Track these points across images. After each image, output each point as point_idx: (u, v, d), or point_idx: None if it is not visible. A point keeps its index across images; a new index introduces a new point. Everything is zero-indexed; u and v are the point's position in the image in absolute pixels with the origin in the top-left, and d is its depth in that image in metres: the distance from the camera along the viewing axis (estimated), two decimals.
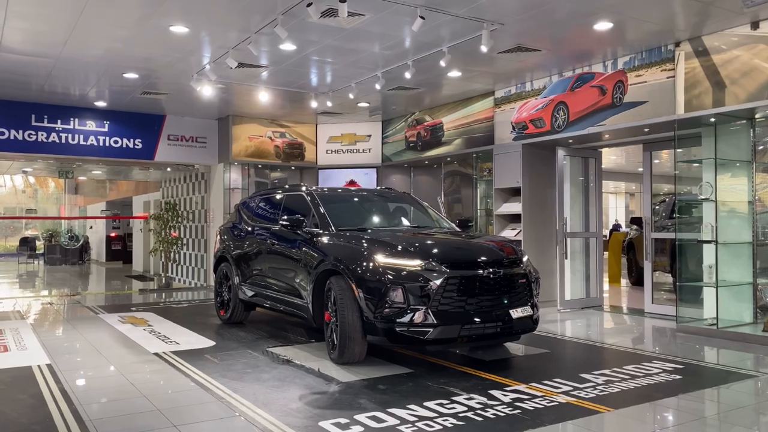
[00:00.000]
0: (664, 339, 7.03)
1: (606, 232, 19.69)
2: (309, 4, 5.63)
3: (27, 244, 24.01)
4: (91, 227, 24.05)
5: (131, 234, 20.34)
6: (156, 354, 6.01)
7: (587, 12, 6.35)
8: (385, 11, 6.18)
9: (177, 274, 14.11)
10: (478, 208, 11.21)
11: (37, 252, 23.49)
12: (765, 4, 5.86)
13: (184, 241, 13.56)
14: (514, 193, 9.66)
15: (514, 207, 9.54)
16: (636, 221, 13.42)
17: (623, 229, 21.08)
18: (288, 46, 7.32)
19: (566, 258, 9.07)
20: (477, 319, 5.12)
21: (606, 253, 12.92)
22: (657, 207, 10.83)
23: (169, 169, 13.86)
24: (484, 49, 6.72)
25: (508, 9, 6.24)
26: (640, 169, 9.25)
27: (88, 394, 4.71)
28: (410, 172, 12.67)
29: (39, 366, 5.48)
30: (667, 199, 11.09)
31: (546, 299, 8.80)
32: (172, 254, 12.94)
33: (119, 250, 21.79)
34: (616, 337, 7.43)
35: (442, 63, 7.42)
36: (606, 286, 12.40)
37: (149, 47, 7.43)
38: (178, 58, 7.92)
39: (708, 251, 7.28)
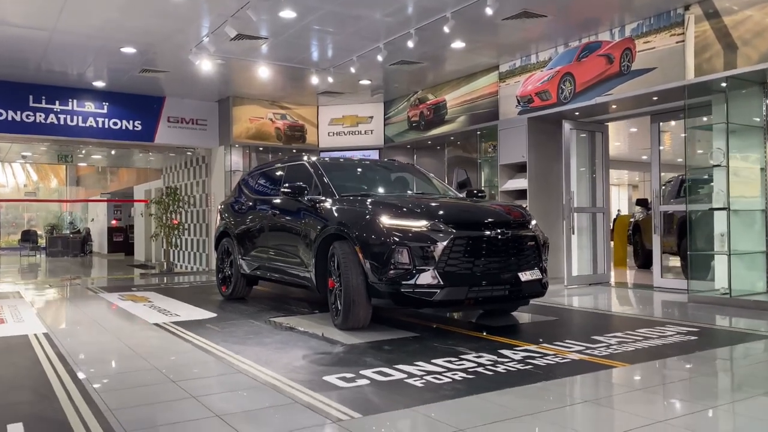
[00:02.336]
0: (675, 308, 6.86)
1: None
2: None
3: (29, 237, 23.93)
4: (92, 219, 23.96)
5: (132, 226, 20.24)
6: (156, 324, 5.87)
7: None
8: None
9: (179, 260, 13.98)
10: (483, 187, 11.03)
11: (38, 245, 23.42)
12: None
13: (186, 227, 13.42)
14: (519, 169, 9.49)
15: (519, 183, 9.38)
16: (642, 203, 13.22)
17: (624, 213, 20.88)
18: (288, 14, 7.16)
19: (573, 233, 8.90)
20: (485, 282, 4.97)
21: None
22: (664, 187, 10.65)
23: (171, 154, 13.74)
24: (489, 11, 6.56)
25: None
26: (644, 157, 9.07)
27: (85, 356, 4.56)
28: (413, 153, 12.51)
29: (35, 335, 5.34)
30: (673, 180, 10.91)
31: (553, 276, 8.62)
32: (173, 239, 12.80)
33: (121, 241, 21.68)
34: (627, 307, 7.27)
35: (446, 29, 7.25)
36: (612, 270, 12.24)
37: (147, 16, 7.27)
38: (176, 29, 7.77)
39: (720, 219, 7.11)
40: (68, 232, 22.34)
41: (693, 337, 4.97)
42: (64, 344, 4.91)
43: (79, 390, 3.56)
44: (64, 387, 3.64)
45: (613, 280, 9.54)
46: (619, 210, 27.73)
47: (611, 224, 13.73)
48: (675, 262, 10.39)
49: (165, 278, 11.21)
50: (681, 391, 3.61)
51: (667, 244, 9.81)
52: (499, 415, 3.04)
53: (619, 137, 16.46)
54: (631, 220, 13.45)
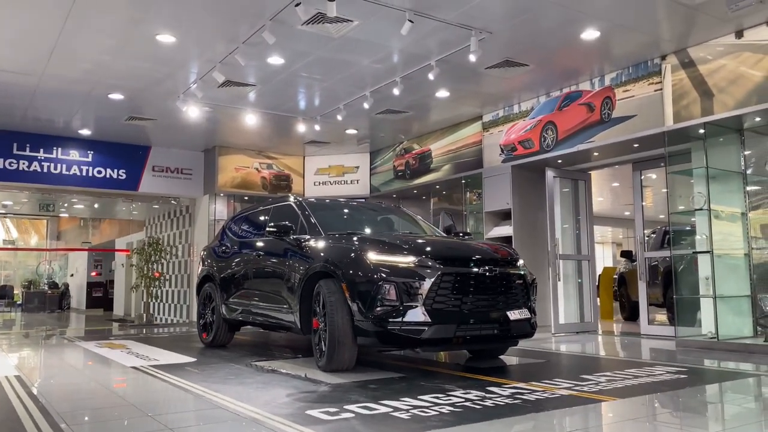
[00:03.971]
0: (664, 352, 6.78)
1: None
2: (297, 4, 5.61)
3: (4, 293, 23.42)
4: (72, 275, 23.55)
5: (113, 281, 19.90)
6: (133, 367, 5.67)
7: (574, 19, 6.40)
8: (373, 17, 6.18)
9: (159, 312, 13.68)
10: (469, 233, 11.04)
11: (14, 301, 22.91)
12: (750, 7, 5.93)
13: (167, 277, 13.21)
14: (504, 216, 9.54)
15: (504, 230, 9.41)
16: (626, 254, 13.29)
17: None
18: (276, 60, 7.29)
19: (559, 280, 8.87)
20: (473, 320, 4.86)
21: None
22: (647, 238, 10.73)
23: (155, 206, 13.66)
24: (472, 58, 6.72)
25: (496, 15, 6.27)
26: (627, 213, 9.17)
27: (58, 395, 4.37)
28: (399, 203, 12.52)
29: (7, 377, 5.12)
30: (656, 232, 11.01)
31: (540, 323, 8.45)
32: (153, 290, 12.57)
33: (100, 297, 21.27)
34: (615, 351, 7.17)
35: (431, 76, 7.40)
36: (599, 320, 12.16)
37: (136, 60, 7.35)
38: (164, 75, 7.86)
39: (704, 263, 7.14)
40: (46, 287, 21.88)
41: (683, 376, 4.89)
42: (37, 385, 4.72)
43: (49, 423, 3.39)
44: (34, 421, 3.46)
45: (600, 329, 9.45)
46: (605, 266, 27.84)
47: (597, 276, 13.74)
48: (661, 314, 10.36)
49: (144, 329, 10.93)
50: (673, 421, 3.52)
51: (653, 295, 9.79)
52: None
53: (602, 192, 16.70)
54: (615, 276, 13.48)
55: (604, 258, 30.63)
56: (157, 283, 12.57)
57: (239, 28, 6.47)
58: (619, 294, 13.09)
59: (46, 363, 6.26)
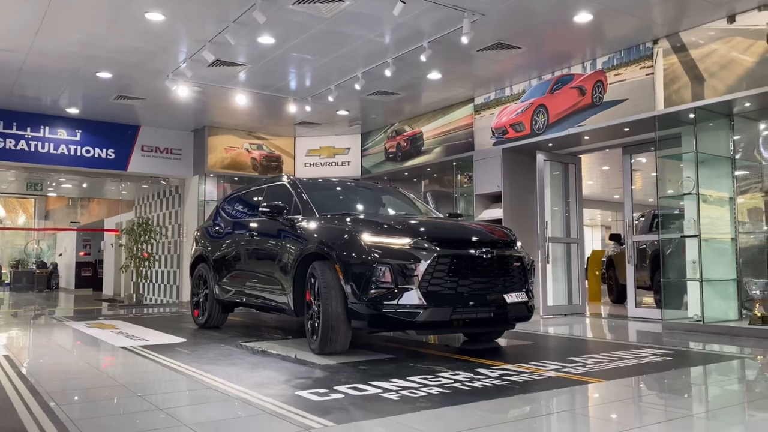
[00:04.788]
0: (650, 334, 6.87)
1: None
2: None
3: None
4: (60, 254, 23.42)
5: (102, 261, 19.81)
6: (123, 347, 5.67)
7: (566, 1, 6.37)
8: None
9: (149, 293, 13.67)
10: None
11: (2, 281, 22.79)
12: None
13: (157, 258, 13.17)
14: (494, 199, 9.56)
15: (495, 213, 9.44)
16: (615, 238, 13.38)
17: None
18: (266, 39, 7.22)
19: (548, 263, 8.94)
20: (470, 303, 4.82)
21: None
22: (636, 223, 10.81)
23: (144, 186, 13.57)
24: (465, 40, 6.69)
25: None
26: (617, 197, 9.20)
27: (47, 374, 4.37)
28: (390, 184, 12.50)
29: None
30: (645, 216, 11.08)
31: None
32: (143, 270, 12.54)
33: (89, 276, 21.19)
34: (602, 333, 7.26)
35: (423, 58, 7.36)
36: (587, 303, 12.29)
37: (124, 38, 7.25)
38: (154, 53, 7.76)
39: (691, 246, 7.21)
40: (34, 266, 21.76)
41: (668, 358, 4.96)
42: (26, 364, 4.71)
43: (40, 404, 3.40)
44: (24, 401, 3.47)
45: (588, 311, 9.55)
46: (593, 250, 28.02)
47: (585, 259, 13.85)
48: (648, 297, 10.47)
49: (134, 309, 10.92)
50: (657, 402, 3.58)
51: (641, 278, 9.89)
52: (476, 423, 2.96)
53: (592, 175, 16.76)
54: (604, 259, 13.60)
55: (593, 241, 30.83)
56: (146, 263, 12.54)
57: (229, 6, 6.39)
58: (608, 277, 13.22)
59: (35, 343, 6.25)
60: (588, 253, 13.75)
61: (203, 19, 6.71)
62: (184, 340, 6.23)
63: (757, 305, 6.56)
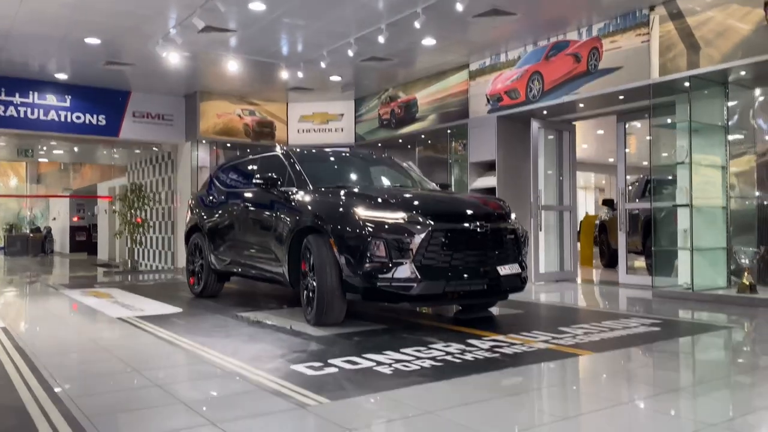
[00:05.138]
0: (640, 302, 6.98)
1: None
2: None
3: None
4: (54, 218, 23.39)
5: (96, 225, 19.80)
6: (119, 318, 5.73)
7: None
8: None
9: (143, 259, 13.71)
10: (453, 185, 11.07)
11: None
12: None
13: (151, 224, 13.18)
14: (488, 167, 9.56)
15: (488, 181, 9.45)
16: (608, 203, 13.45)
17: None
18: (257, 5, 7.09)
19: (540, 230, 9.00)
20: (463, 275, 4.87)
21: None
22: (630, 188, 10.85)
23: (137, 151, 13.49)
24: (459, 7, 6.59)
25: None
26: (611, 160, 9.19)
27: (45, 348, 4.42)
28: (384, 152, 12.47)
29: None
30: (638, 181, 11.12)
31: None
32: (137, 237, 12.55)
33: (83, 241, 21.22)
34: (593, 301, 7.37)
35: (417, 24, 7.26)
36: (579, 268, 12.42)
37: (112, 2, 7.09)
38: (142, 19, 7.62)
39: (683, 216, 7.27)
40: (28, 231, 21.75)
41: (656, 328, 5.05)
42: (24, 338, 4.75)
43: (38, 379, 3.45)
44: (23, 377, 3.52)
45: (579, 278, 9.67)
46: (587, 212, 28.16)
47: (578, 224, 13.97)
48: (640, 261, 10.58)
49: (129, 276, 10.99)
50: (644, 377, 3.67)
51: (633, 243, 9.97)
52: (466, 399, 3.04)
53: (587, 139, 16.73)
54: (597, 221, 13.69)
55: (587, 203, 30.93)
56: (141, 230, 12.55)
57: None
58: (600, 241, 13.33)
59: (32, 314, 6.30)
60: (581, 217, 13.87)
61: None
62: (180, 310, 6.29)
63: (746, 273, 6.65)
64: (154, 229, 13.21)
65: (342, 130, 12.23)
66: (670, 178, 8.05)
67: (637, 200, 9.82)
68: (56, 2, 7.09)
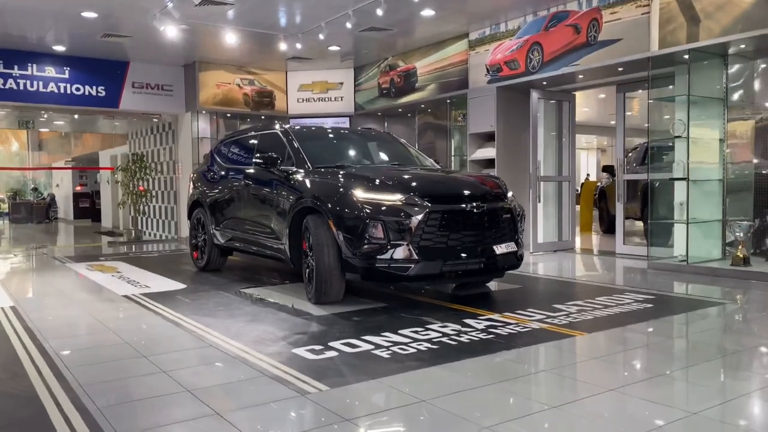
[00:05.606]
0: (635, 275, 7.11)
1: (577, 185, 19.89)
2: None
3: None
4: (57, 185, 23.48)
5: (99, 191, 19.91)
6: (125, 296, 5.88)
7: None
8: None
9: (147, 228, 13.86)
10: (452, 156, 11.12)
11: (1, 211, 22.96)
12: None
13: (153, 194, 13.27)
14: (488, 138, 9.58)
15: (488, 152, 9.48)
16: (608, 169, 13.48)
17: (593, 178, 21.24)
18: None
19: (539, 201, 9.08)
20: (460, 255, 4.99)
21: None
22: (630, 155, 10.87)
23: (135, 120, 13.48)
24: None
25: None
26: (612, 122, 9.18)
27: (53, 330, 4.57)
28: (384, 121, 12.49)
29: (2, 308, 5.32)
30: (639, 147, 11.12)
31: None
32: (140, 207, 12.67)
33: (87, 207, 21.35)
34: (588, 274, 7.50)
35: None
36: (579, 234, 12.55)
37: None
38: None
39: (680, 189, 7.34)
40: (32, 198, 21.87)
41: (649, 305, 5.18)
42: (33, 318, 4.90)
43: (49, 365, 3.60)
44: (34, 363, 3.67)
45: (577, 247, 9.78)
46: (588, 174, 28.16)
47: (577, 190, 14.03)
48: (639, 227, 10.68)
49: (133, 246, 11.13)
50: (632, 360, 3.80)
51: (631, 209, 10.05)
52: (459, 385, 3.17)
53: (588, 103, 16.63)
54: (598, 185, 13.75)
55: (588, 164, 30.93)
56: (143, 199, 12.65)
57: None
58: (599, 207, 13.43)
59: (40, 291, 6.44)
60: (582, 178, 13.89)
61: None
62: (185, 286, 6.43)
63: (740, 246, 6.75)
64: (157, 199, 13.31)
65: (341, 99, 12.20)
66: (670, 144, 8.08)
67: (637, 167, 9.86)
68: None
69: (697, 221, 7.25)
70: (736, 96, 7.34)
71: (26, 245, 12.19)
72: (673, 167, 7.28)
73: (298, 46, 9.65)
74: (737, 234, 6.77)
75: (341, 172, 5.43)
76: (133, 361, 3.70)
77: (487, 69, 9.26)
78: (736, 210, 7.24)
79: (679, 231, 7.46)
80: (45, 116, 13.57)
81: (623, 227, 8.97)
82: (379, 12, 7.86)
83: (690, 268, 6.95)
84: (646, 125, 9.11)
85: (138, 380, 3.37)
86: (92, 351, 4.00)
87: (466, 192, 5.20)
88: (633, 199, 9.83)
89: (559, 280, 6.98)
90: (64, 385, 3.24)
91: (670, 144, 7.98)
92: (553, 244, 9.37)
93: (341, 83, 12.17)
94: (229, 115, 12.15)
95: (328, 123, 12.04)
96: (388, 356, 3.69)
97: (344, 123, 12.17)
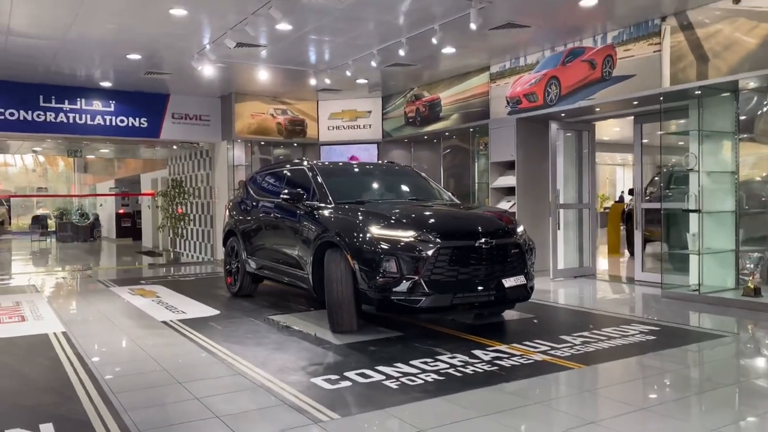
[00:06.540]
0: (647, 304, 7.33)
1: (611, 203, 19.91)
2: None
3: (39, 222, 24.59)
4: (101, 205, 24.55)
5: (140, 211, 20.80)
6: (164, 322, 6.39)
7: None
8: None
9: (184, 249, 14.52)
10: (477, 181, 11.46)
11: (48, 230, 24.07)
12: None
13: (191, 217, 13.94)
14: (509, 166, 9.91)
15: (509, 180, 9.81)
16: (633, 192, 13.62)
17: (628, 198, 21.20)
18: (284, 26, 7.56)
19: (559, 229, 9.35)
20: (470, 288, 5.34)
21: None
22: (656, 178, 11.02)
23: (175, 147, 14.20)
24: (473, 26, 6.93)
25: None
26: (646, 141, 9.35)
27: (101, 357, 5.09)
28: (410, 147, 12.92)
29: (55, 333, 5.86)
30: (665, 170, 11.25)
31: (540, 268, 9.06)
32: (179, 230, 13.32)
33: (129, 227, 22.29)
34: (602, 303, 7.74)
35: (434, 41, 7.64)
36: (605, 257, 12.72)
37: (150, 28, 7.70)
38: (178, 39, 8.19)
39: (693, 220, 7.55)
40: (77, 219, 22.91)
41: (652, 337, 5.44)
42: (81, 344, 5.42)
43: (97, 390, 4.08)
44: (85, 388, 4.16)
45: (598, 272, 9.99)
46: (622, 191, 28.05)
47: (607, 209, 14.11)
48: (664, 247, 10.75)
49: (172, 269, 11.75)
50: (620, 393, 4.09)
51: (656, 233, 10.20)
52: (456, 416, 3.53)
53: (621, 123, 16.78)
54: (625, 208, 13.90)
55: (625, 180, 30.71)
56: (182, 223, 13.31)
57: (248, 2, 6.74)
58: (627, 230, 13.57)
59: (87, 316, 6.99)
60: (617, 194, 13.83)
61: (223, 12, 7.09)
62: (218, 312, 6.92)
63: (751, 277, 6.93)
64: (194, 222, 13.97)
65: (370, 126, 12.68)
66: (686, 174, 8.28)
67: (662, 186, 9.98)
68: (101, 27, 7.70)
69: (711, 251, 7.45)
70: (747, 128, 7.53)
71: (73, 266, 12.94)
72: (687, 199, 7.51)
73: (327, 81, 10.17)
74: (748, 265, 6.95)
75: (360, 209, 5.86)
76: (170, 388, 4.16)
77: (508, 101, 9.62)
78: (751, 241, 7.41)
79: (692, 261, 7.66)
80: (91, 146, 14.41)
81: (642, 254, 9.17)
82: (401, 53, 8.31)
83: (702, 297, 7.15)
84: (681, 142, 9.21)
85: (174, 406, 3.82)
86: (135, 377, 4.48)
87: (476, 228, 5.56)
88: (658, 222, 9.97)
89: (572, 309, 7.24)
90: (111, 409, 3.71)
91: (686, 174, 8.19)
92: (573, 270, 9.61)
93: (369, 111, 12.66)
94: (263, 143, 12.75)
95: (357, 149, 12.54)
96: (396, 387, 4.07)
97: (372, 150, 12.65)
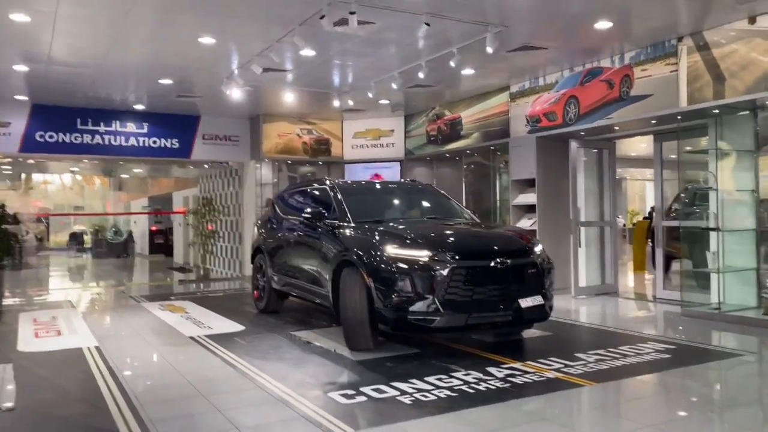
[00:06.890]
0: (666, 323, 7.35)
1: (640, 218, 19.76)
2: (322, 17, 6.13)
3: (75, 238, 25.39)
4: (135, 222, 25.22)
5: (172, 228, 21.35)
6: (191, 337, 6.65)
7: (591, 12, 6.69)
8: (392, 18, 6.65)
9: (214, 266, 14.89)
10: (498, 198, 11.60)
11: (84, 246, 24.82)
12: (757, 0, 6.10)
13: (220, 234, 14.31)
14: (529, 184, 10.01)
15: (529, 198, 9.91)
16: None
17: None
18: (308, 52, 7.85)
19: (580, 246, 9.40)
20: (485, 308, 5.39)
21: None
22: (683, 194, 10.99)
23: (206, 166, 14.63)
24: (489, 50, 7.12)
25: (511, 12, 6.63)
26: (673, 156, 9.32)
27: (131, 371, 5.36)
28: (433, 165, 13.11)
29: (88, 347, 6.16)
30: (688, 187, 11.22)
31: (561, 286, 9.12)
32: (209, 246, 13.70)
33: (161, 243, 22.85)
34: (621, 321, 7.78)
35: (452, 63, 7.84)
36: (630, 273, 12.68)
37: (181, 57, 8.08)
38: (208, 65, 8.56)
39: (713, 238, 7.56)
40: (111, 236, 23.57)
41: (666, 355, 5.50)
42: (113, 358, 5.70)
43: (126, 402, 4.32)
44: (115, 400, 4.41)
45: (620, 290, 9.98)
46: (651, 207, 27.78)
47: (633, 225, 14.03)
48: (688, 264, 10.69)
49: (201, 284, 12.08)
50: (627, 411, 4.19)
51: (680, 250, 10.15)
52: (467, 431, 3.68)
53: (647, 139, 16.75)
54: (651, 224, 13.84)
55: (652, 195, 30.40)
56: (211, 240, 13.68)
57: (271, 30, 7.05)
58: (652, 246, 13.50)
59: (119, 331, 7.30)
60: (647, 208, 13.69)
61: (249, 40, 7.43)
62: (243, 328, 7.16)
63: None
64: (224, 239, 14.34)
65: (393, 144, 12.92)
66: (706, 193, 8.29)
67: (687, 202, 9.92)
68: (136, 55, 8.11)
69: (731, 269, 7.45)
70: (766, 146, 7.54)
71: (107, 281, 13.39)
72: (707, 217, 7.53)
73: (350, 102, 10.45)
74: (767, 284, 6.95)
75: (378, 228, 5.99)
76: (195, 401, 4.38)
77: (527, 120, 9.76)
78: None
79: (713, 279, 7.66)
80: (126, 166, 14.96)
81: (663, 272, 9.17)
82: (421, 75, 8.54)
83: (721, 316, 7.15)
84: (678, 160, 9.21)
85: (198, 418, 4.04)
86: (162, 390, 4.72)
87: (492, 248, 5.65)
88: (681, 239, 9.94)
89: (590, 327, 7.30)
90: (138, 420, 3.95)
91: (705, 187, 8.21)
92: (595, 287, 9.64)
93: (392, 130, 12.90)
94: (289, 161, 13.09)
95: (380, 167, 12.79)
96: (410, 402, 4.23)
97: (395, 168, 12.88)
